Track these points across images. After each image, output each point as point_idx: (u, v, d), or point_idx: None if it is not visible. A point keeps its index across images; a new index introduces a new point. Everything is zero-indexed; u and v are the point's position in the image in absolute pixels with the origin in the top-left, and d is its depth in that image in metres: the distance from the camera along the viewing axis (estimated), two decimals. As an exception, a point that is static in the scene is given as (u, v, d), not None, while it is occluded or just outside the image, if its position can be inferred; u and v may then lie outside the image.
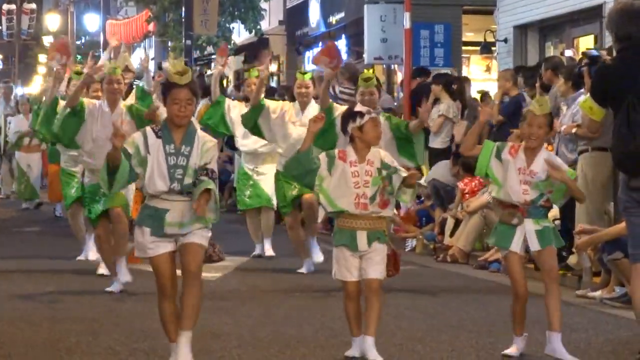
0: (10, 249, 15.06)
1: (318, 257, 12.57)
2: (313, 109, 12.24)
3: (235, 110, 13.46)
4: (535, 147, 7.77)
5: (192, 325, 7.22)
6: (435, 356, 7.93)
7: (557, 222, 12.48)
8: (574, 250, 11.63)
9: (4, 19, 54.77)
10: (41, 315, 9.77)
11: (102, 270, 11.74)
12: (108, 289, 10.88)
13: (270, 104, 12.65)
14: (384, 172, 7.62)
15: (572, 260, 11.84)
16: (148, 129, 7.34)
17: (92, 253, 12.93)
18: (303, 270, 12.54)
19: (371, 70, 18.50)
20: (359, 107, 7.94)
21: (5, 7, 54.94)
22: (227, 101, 13.78)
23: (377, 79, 11.98)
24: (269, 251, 13.84)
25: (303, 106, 12.45)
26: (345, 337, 8.22)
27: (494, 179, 7.83)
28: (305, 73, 13.04)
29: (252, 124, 12.41)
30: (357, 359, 7.68)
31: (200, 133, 7.36)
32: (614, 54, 8.67)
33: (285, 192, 12.44)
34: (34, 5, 53.98)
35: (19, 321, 9.45)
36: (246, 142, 13.59)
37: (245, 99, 13.98)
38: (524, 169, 7.71)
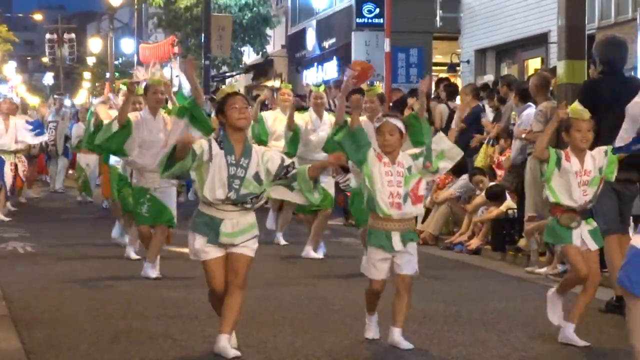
0: (60, 233, 15.02)
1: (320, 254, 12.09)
2: (326, 117, 12.15)
3: (269, 120, 13.22)
4: (585, 149, 7.25)
5: (231, 330, 6.67)
6: (409, 322, 7.89)
7: (510, 211, 12.51)
8: (523, 234, 11.63)
9: (47, 47, 54.76)
10: (85, 287, 9.74)
11: (133, 254, 11.59)
12: (150, 275, 10.19)
13: (297, 120, 12.26)
14: (420, 158, 6.98)
15: (521, 242, 11.83)
16: (212, 139, 6.77)
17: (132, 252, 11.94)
18: (319, 255, 12.01)
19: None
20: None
21: (47, 36, 54.98)
22: (263, 116, 13.39)
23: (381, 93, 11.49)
24: (282, 241, 13.32)
25: (320, 114, 12.21)
26: (349, 320, 8.16)
27: (550, 187, 7.28)
28: (319, 86, 12.77)
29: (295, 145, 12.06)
30: (376, 340, 7.15)
31: (255, 147, 6.81)
32: (593, 74, 9.42)
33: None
34: (73, 35, 53.96)
35: (65, 291, 9.44)
36: (278, 143, 12.90)
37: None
38: (579, 171, 7.23)
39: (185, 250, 10.34)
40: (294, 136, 12.19)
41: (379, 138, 7.04)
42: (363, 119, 10.46)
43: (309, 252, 12.07)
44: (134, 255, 11.58)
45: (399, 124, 7.03)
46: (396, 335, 7.03)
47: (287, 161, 6.70)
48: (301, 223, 13.57)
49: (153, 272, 10.20)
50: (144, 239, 10.53)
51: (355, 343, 7.24)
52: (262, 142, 12.85)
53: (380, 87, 11.91)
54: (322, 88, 12.61)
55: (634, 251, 4.70)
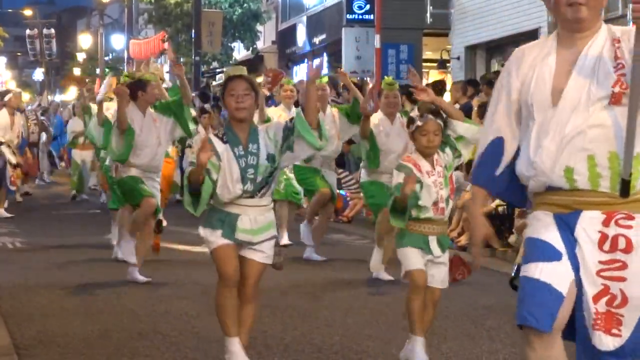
0: (50, 230, 15.01)
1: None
2: (330, 110, 11.20)
3: (274, 118, 11.70)
4: None
5: (245, 341, 6.12)
6: (399, 318, 7.90)
7: (500, 207, 12.53)
8: (513, 230, 11.65)
9: (27, 42, 54.50)
10: (74, 282, 9.73)
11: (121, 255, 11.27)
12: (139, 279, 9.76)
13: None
14: (447, 148, 6.37)
15: (512, 239, 11.85)
16: (212, 136, 6.06)
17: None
18: (321, 257, 11.55)
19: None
20: (413, 113, 6.55)
21: (27, 32, 54.75)
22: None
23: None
24: (286, 240, 12.59)
25: (323, 108, 11.02)
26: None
27: None
28: (322, 77, 11.52)
29: None
30: None
31: (260, 127, 6.12)
32: None
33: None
34: (52, 31, 53.68)
35: (55, 287, 9.42)
36: None
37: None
38: None
39: (176, 246, 10.41)
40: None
41: (422, 139, 6.34)
42: (379, 116, 10.33)
43: (310, 254, 11.66)
44: (121, 257, 11.25)
45: (441, 122, 6.43)
46: (418, 346, 6.40)
47: (290, 123, 6.04)
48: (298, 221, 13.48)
49: (141, 276, 9.76)
50: (141, 217, 9.79)
51: (345, 339, 7.25)
52: None
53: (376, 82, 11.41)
54: (325, 80, 11.80)
55: (529, 282, 3.99)
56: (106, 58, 49.08)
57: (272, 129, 6.07)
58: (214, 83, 36.07)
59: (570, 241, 4.00)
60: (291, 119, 6.09)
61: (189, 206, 5.99)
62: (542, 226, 4.07)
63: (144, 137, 9.92)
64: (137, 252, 9.86)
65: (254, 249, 6.05)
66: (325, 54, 29.33)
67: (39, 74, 72.98)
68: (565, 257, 4.00)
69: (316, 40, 30.14)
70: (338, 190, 12.91)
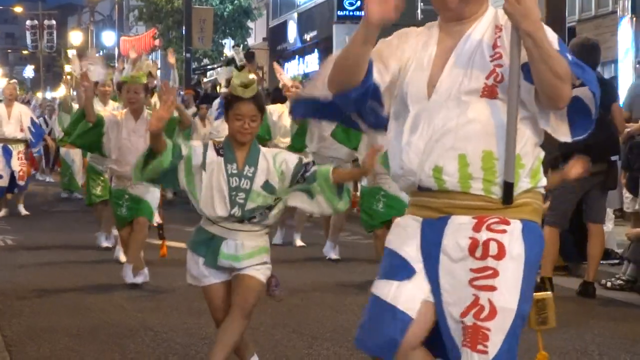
0: (41, 227, 14.98)
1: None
2: None
3: (275, 115, 12.16)
4: None
5: (223, 358, 5.40)
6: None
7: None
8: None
9: (28, 33, 54.43)
10: (64, 279, 9.71)
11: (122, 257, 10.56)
12: (131, 281, 9.32)
13: None
14: None
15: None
16: (211, 143, 5.56)
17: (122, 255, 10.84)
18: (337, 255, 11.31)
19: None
20: None
21: (29, 22, 54.69)
22: (267, 110, 11.22)
23: None
24: (299, 242, 12.72)
25: None
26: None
27: None
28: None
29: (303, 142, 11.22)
30: None
31: (264, 150, 5.54)
32: None
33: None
34: (53, 22, 53.69)
35: (45, 284, 9.40)
36: (286, 140, 11.87)
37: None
38: None
39: (167, 243, 10.35)
40: (300, 128, 11.23)
41: None
42: None
43: (328, 252, 11.44)
44: (123, 258, 10.43)
45: None
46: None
47: (306, 159, 5.52)
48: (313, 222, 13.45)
49: (134, 277, 9.35)
50: (124, 245, 9.67)
51: (336, 335, 7.24)
52: (265, 140, 11.54)
53: None
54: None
55: (376, 302, 3.61)
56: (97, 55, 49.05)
57: (280, 157, 5.50)
58: (205, 80, 36.08)
59: (434, 254, 3.56)
60: (311, 161, 5.52)
61: (136, 169, 5.47)
62: (405, 237, 3.65)
63: (130, 143, 9.38)
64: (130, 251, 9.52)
65: (243, 268, 5.49)
66: (316, 51, 29.36)
67: (29, 71, 72.92)
68: (420, 275, 3.58)
69: (307, 37, 30.17)
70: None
